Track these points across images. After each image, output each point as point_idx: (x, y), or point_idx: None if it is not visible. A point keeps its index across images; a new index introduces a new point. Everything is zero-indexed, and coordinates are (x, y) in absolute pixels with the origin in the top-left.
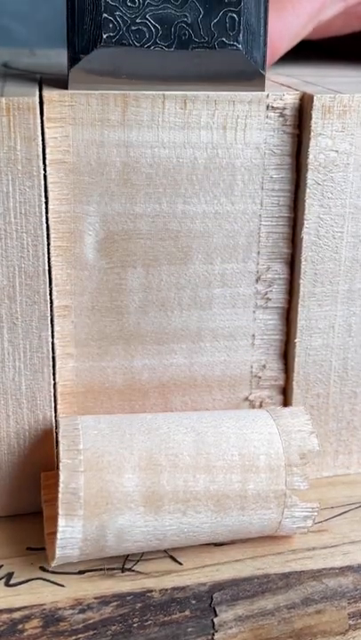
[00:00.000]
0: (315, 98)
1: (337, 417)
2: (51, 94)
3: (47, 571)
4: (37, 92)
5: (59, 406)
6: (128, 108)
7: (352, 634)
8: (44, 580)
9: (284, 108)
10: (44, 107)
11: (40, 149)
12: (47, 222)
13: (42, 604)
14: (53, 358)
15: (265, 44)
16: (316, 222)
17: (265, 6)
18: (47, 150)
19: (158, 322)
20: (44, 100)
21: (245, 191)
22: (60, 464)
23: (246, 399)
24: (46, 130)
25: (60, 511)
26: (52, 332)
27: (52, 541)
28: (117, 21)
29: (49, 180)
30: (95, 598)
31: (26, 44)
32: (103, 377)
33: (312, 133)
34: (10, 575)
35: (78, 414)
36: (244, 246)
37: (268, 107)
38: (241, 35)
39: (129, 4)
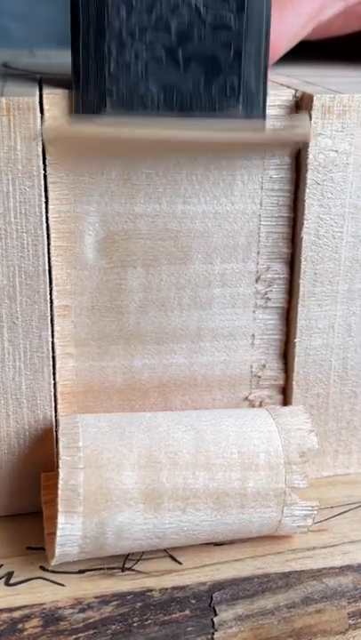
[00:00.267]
0: (314, 98)
1: (337, 417)
2: (50, 94)
3: (47, 570)
4: (37, 92)
5: (59, 406)
6: None
7: (352, 633)
8: (44, 579)
9: (285, 108)
10: (44, 106)
11: (40, 149)
12: (47, 222)
13: (42, 604)
14: (53, 358)
15: (265, 102)
16: (316, 222)
17: (265, 67)
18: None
19: (158, 322)
20: (44, 99)
21: (245, 191)
22: (60, 461)
23: (246, 399)
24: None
25: (60, 508)
26: (52, 331)
27: (51, 541)
28: (122, 88)
29: (49, 179)
30: (95, 598)
31: (24, 43)
32: (103, 376)
33: (312, 133)
34: (10, 574)
35: (78, 414)
36: (244, 246)
37: (268, 106)
38: (241, 97)
39: (132, 71)
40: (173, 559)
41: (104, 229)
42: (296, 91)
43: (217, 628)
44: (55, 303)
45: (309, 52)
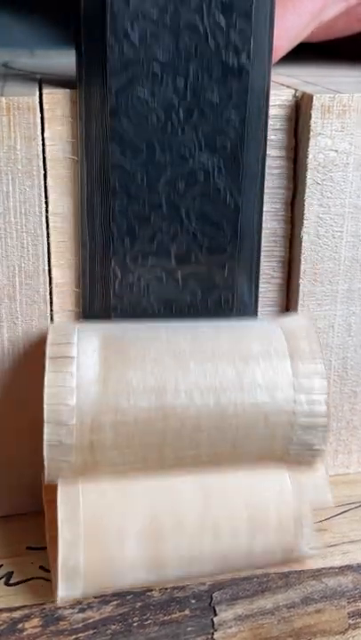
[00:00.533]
0: (314, 97)
1: (337, 416)
2: (50, 93)
3: (47, 570)
4: (37, 92)
5: None
6: None
7: (352, 633)
8: (44, 579)
9: (284, 107)
10: (44, 106)
11: (40, 149)
12: (47, 222)
13: (42, 604)
14: None
15: (256, 306)
16: (316, 222)
17: (256, 275)
18: (47, 149)
19: None
20: (44, 99)
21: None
22: (60, 537)
23: None
24: (46, 129)
25: (60, 585)
26: None
27: (54, 549)
28: (125, 304)
29: (49, 179)
30: (95, 597)
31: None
32: None
33: (311, 133)
34: (10, 574)
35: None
36: None
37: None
38: (235, 308)
39: (135, 289)
40: None
41: None
42: (296, 90)
43: (217, 628)
44: (55, 302)
45: (310, 52)
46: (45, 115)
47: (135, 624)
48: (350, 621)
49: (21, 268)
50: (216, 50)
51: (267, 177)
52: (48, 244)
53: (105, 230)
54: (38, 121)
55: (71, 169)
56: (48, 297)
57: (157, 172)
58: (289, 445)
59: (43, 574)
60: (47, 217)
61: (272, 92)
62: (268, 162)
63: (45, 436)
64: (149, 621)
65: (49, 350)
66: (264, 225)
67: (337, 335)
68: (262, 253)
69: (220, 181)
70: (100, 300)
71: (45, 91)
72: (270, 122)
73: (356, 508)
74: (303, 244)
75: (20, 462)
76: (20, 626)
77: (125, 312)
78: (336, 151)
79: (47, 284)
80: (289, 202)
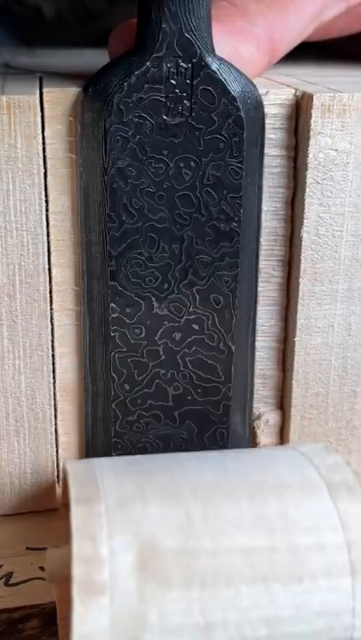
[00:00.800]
0: (314, 97)
1: (336, 416)
2: (51, 92)
3: None
4: (38, 91)
5: (58, 404)
6: None
7: None
8: (44, 579)
9: (285, 107)
10: (45, 104)
11: (40, 147)
12: (47, 220)
13: (41, 604)
14: (53, 356)
15: (249, 435)
16: (316, 221)
17: (250, 409)
18: (47, 148)
19: None
20: (45, 97)
21: None
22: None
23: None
24: (46, 127)
25: None
26: (52, 329)
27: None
28: (126, 443)
29: (49, 177)
30: None
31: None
32: None
33: (312, 132)
34: (9, 575)
35: (77, 412)
36: None
37: (268, 105)
38: (229, 442)
39: (134, 428)
40: None
41: None
42: (296, 90)
43: None
44: (55, 301)
45: (310, 52)
46: (46, 113)
47: None
48: None
49: (21, 266)
50: (208, 218)
51: (267, 176)
52: (48, 242)
53: (106, 376)
54: (39, 119)
55: (71, 167)
56: (48, 295)
57: (155, 324)
58: None
59: (42, 575)
60: (47, 215)
61: (272, 91)
62: (269, 161)
63: None
64: None
65: (75, 569)
66: (264, 224)
67: (337, 334)
68: (262, 252)
69: (214, 330)
70: (101, 437)
71: (46, 89)
72: (270, 121)
73: None
74: (303, 243)
75: (19, 461)
76: (19, 626)
77: (125, 448)
78: (336, 150)
79: (47, 283)
80: (289, 201)
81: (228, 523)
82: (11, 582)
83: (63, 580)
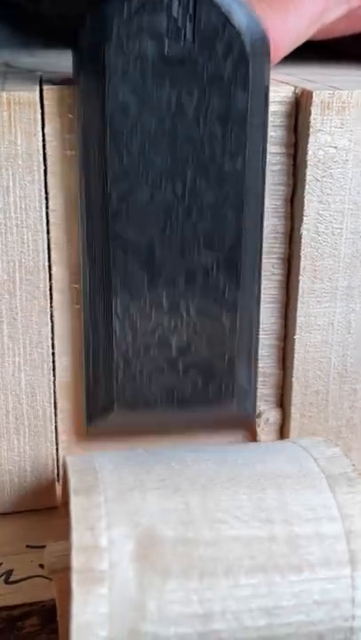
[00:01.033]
0: (314, 94)
1: (336, 414)
2: (51, 89)
3: None
4: (38, 88)
5: (58, 402)
6: None
7: None
8: (44, 577)
9: (284, 104)
10: (45, 102)
11: (40, 144)
12: (47, 217)
13: (41, 602)
14: (53, 354)
15: (255, 396)
16: (316, 218)
17: (255, 360)
18: (47, 145)
19: None
20: (45, 94)
21: None
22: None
23: None
24: (46, 124)
25: None
26: (52, 327)
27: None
28: (127, 394)
29: (49, 175)
30: None
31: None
32: None
33: (311, 129)
34: (9, 572)
35: (76, 411)
36: None
37: (267, 103)
38: (235, 397)
39: (137, 380)
40: None
41: None
42: (296, 87)
43: None
44: (55, 298)
45: (310, 51)
46: (46, 110)
47: None
48: None
49: (21, 263)
50: (212, 155)
51: (267, 173)
52: (48, 239)
53: (107, 325)
54: (39, 116)
55: (71, 165)
56: (48, 293)
57: (157, 270)
58: None
59: (42, 572)
60: (47, 213)
61: (272, 88)
62: (268, 158)
63: None
64: None
65: (75, 559)
66: (265, 222)
67: (337, 332)
68: (262, 250)
69: (219, 277)
70: (103, 389)
71: (46, 87)
72: (270, 118)
73: None
74: (303, 240)
75: (19, 459)
76: (19, 624)
77: (128, 402)
78: (336, 148)
79: (47, 280)
80: (289, 198)
81: (227, 513)
82: (10, 580)
83: (63, 572)
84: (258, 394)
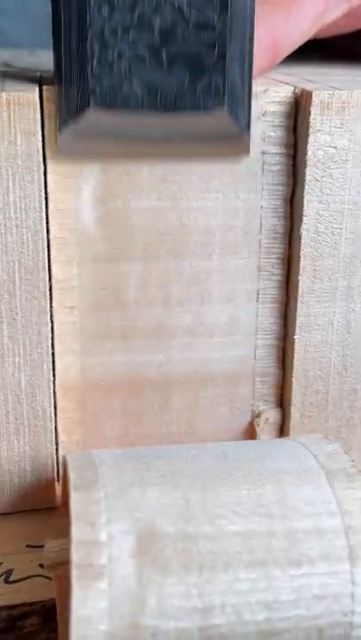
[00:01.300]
0: (313, 94)
1: (336, 414)
2: (51, 90)
3: None
4: (37, 88)
5: (58, 402)
6: None
7: None
8: (44, 577)
9: (284, 104)
10: (44, 102)
11: (40, 144)
12: (47, 217)
13: (41, 601)
14: (53, 354)
15: (249, 105)
16: (315, 218)
17: (249, 68)
18: (47, 145)
19: (158, 317)
20: (44, 95)
21: (244, 187)
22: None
23: (247, 395)
24: (46, 125)
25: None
26: (52, 327)
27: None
28: (105, 87)
29: (49, 174)
30: None
31: (18, 42)
32: (103, 372)
33: (311, 129)
34: (9, 572)
35: (77, 410)
36: (244, 242)
37: (267, 102)
38: (226, 97)
39: (115, 70)
40: None
41: (105, 225)
42: (295, 87)
43: None
44: (55, 298)
45: (310, 51)
46: (45, 111)
47: None
48: None
49: (21, 263)
50: None
51: (266, 173)
52: (48, 239)
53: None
54: (38, 117)
55: (71, 164)
56: (48, 293)
57: None
58: None
59: (42, 572)
60: (47, 213)
61: (272, 88)
62: (268, 159)
63: None
64: None
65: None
66: (264, 222)
67: (336, 332)
68: (262, 250)
69: None
70: (76, 84)
71: (45, 87)
72: (269, 119)
73: None
74: (303, 240)
75: (19, 459)
76: (19, 623)
77: (105, 98)
78: (335, 148)
79: (47, 280)
80: (288, 199)
81: (226, 508)
82: (10, 580)
83: (62, 566)
84: (257, 393)
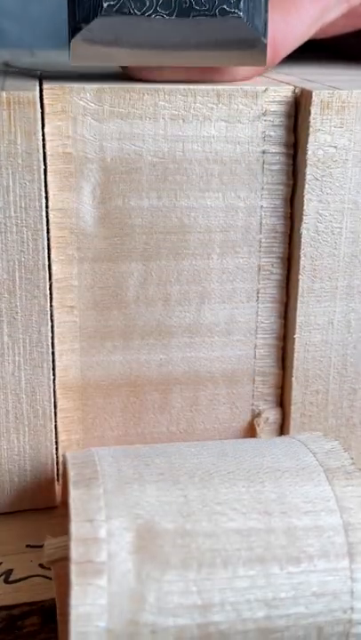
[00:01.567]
0: (313, 94)
1: (336, 414)
2: (51, 88)
3: (46, 568)
4: (38, 87)
5: (58, 402)
6: (128, 101)
7: None
8: (43, 576)
9: (284, 104)
10: (44, 101)
11: (40, 143)
12: (47, 216)
13: (41, 601)
14: (53, 353)
15: (266, 10)
16: (315, 218)
17: None
18: (47, 144)
19: (158, 316)
20: (44, 93)
21: (244, 186)
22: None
23: (247, 395)
24: (46, 124)
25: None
26: (52, 326)
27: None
28: None
29: (49, 173)
30: None
31: (19, 42)
32: (103, 371)
33: (311, 129)
34: (9, 572)
35: (77, 409)
36: (244, 241)
37: (267, 102)
38: (242, 2)
39: None
40: None
41: (105, 224)
42: (295, 87)
43: None
44: (55, 298)
45: (310, 51)
46: (46, 110)
47: None
48: None
49: (21, 262)
50: None
51: (266, 173)
52: (48, 238)
53: None
54: (39, 116)
55: (71, 164)
56: (48, 292)
57: None
58: None
59: (42, 572)
60: (47, 212)
61: (271, 88)
62: (268, 158)
63: None
64: None
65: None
66: (264, 221)
67: (336, 332)
68: (262, 250)
69: None
70: None
71: (46, 86)
72: (269, 118)
73: None
74: (303, 240)
75: (19, 459)
76: (19, 623)
77: (117, 4)
78: (335, 147)
79: (47, 279)
80: (288, 198)
81: (225, 505)
82: (10, 579)
83: (61, 562)
84: (257, 393)
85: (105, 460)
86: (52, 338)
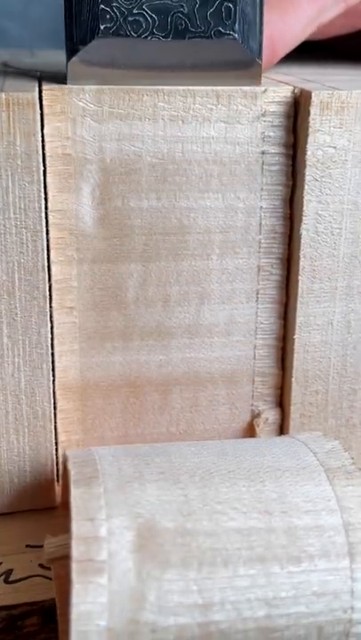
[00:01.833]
0: (313, 94)
1: (336, 414)
2: (50, 89)
3: (46, 568)
4: (37, 88)
5: (58, 403)
6: (128, 102)
7: None
8: (43, 576)
9: (283, 105)
10: (44, 102)
11: (39, 144)
12: (46, 217)
13: (41, 601)
14: (52, 354)
15: (261, 32)
16: (315, 219)
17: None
18: (46, 145)
19: (158, 317)
20: (44, 94)
21: (244, 187)
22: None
23: (246, 395)
24: (46, 125)
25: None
26: (52, 327)
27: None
28: (114, 12)
29: (48, 175)
30: None
31: (20, 42)
32: (103, 372)
33: (310, 129)
34: (9, 572)
35: (77, 410)
36: (244, 242)
37: (266, 102)
38: (237, 24)
39: None
40: None
41: (104, 225)
42: (295, 87)
43: None
44: (54, 299)
45: (309, 51)
46: (45, 111)
47: None
48: None
49: (21, 263)
50: None
51: (265, 174)
52: (47, 240)
53: None
54: (38, 117)
55: (70, 165)
56: (47, 293)
57: None
58: None
59: (42, 572)
60: (47, 213)
61: (271, 88)
62: (267, 159)
63: None
64: None
65: (75, 549)
66: (263, 222)
67: (336, 332)
68: (261, 250)
69: None
70: (86, 10)
71: (45, 87)
72: (269, 119)
73: None
74: (302, 240)
75: (19, 459)
76: (19, 623)
77: (115, 19)
78: (335, 148)
79: (46, 281)
80: (288, 199)
81: (226, 504)
82: (10, 580)
83: (62, 561)
84: (257, 393)
85: (105, 459)
86: (52, 339)
